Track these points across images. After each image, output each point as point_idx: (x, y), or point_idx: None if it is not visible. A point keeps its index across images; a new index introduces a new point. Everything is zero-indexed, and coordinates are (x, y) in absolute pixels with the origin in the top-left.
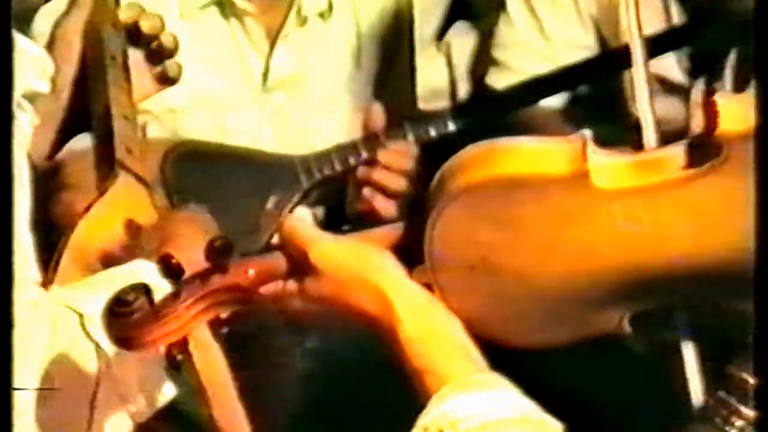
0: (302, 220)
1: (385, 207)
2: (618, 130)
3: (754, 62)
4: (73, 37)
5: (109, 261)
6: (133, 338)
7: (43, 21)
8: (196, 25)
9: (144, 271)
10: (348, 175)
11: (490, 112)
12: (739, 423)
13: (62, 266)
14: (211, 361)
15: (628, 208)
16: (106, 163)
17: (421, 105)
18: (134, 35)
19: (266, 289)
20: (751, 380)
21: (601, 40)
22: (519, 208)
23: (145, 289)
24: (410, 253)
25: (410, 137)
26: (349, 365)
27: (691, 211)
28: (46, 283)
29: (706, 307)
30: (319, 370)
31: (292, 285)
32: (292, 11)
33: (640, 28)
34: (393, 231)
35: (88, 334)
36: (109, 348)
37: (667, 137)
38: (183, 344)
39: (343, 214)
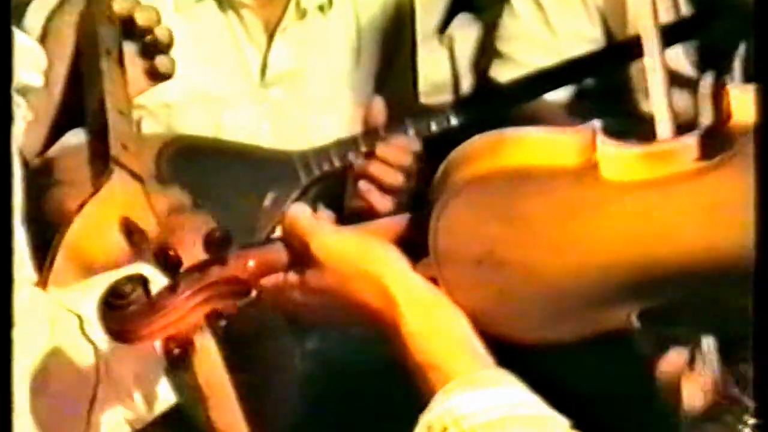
0: (304, 211)
1: (382, 202)
2: (625, 123)
3: (754, 62)
4: (66, 29)
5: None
6: (129, 331)
7: (36, 13)
8: (192, 18)
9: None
10: (347, 172)
11: (494, 106)
12: (751, 421)
13: (57, 265)
14: (210, 363)
15: (638, 200)
16: (101, 159)
17: (423, 99)
18: (129, 28)
19: (266, 281)
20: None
21: (608, 33)
22: (526, 201)
23: (142, 281)
24: (414, 245)
25: (411, 132)
26: (349, 366)
27: (703, 205)
28: (41, 283)
29: (716, 304)
30: (320, 371)
31: (292, 277)
32: (291, 4)
33: (656, 16)
34: (397, 223)
35: (87, 337)
36: (108, 347)
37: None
38: (181, 338)
39: (342, 211)
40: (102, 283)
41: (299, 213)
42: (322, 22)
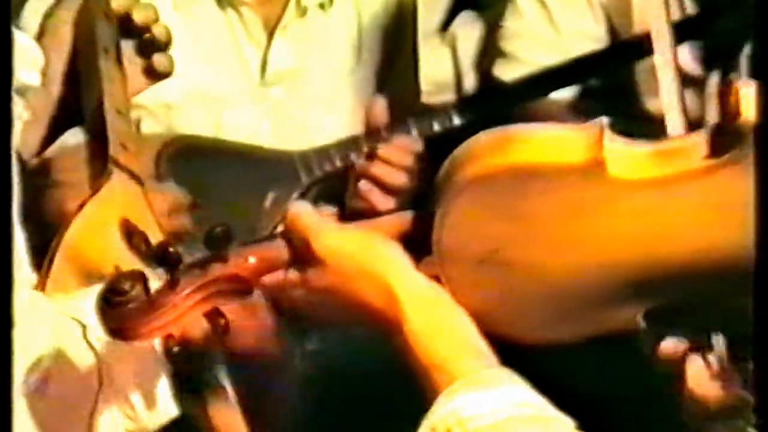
0: (306, 208)
1: (383, 203)
2: (630, 123)
3: (754, 62)
4: (63, 27)
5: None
6: (128, 329)
7: (33, 11)
8: (190, 16)
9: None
10: (349, 172)
11: (497, 106)
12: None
13: (55, 267)
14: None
15: (645, 198)
16: (99, 159)
17: (425, 99)
18: (126, 26)
19: (267, 279)
20: None
21: (612, 31)
22: (531, 199)
23: (141, 278)
24: (418, 243)
25: (414, 132)
26: (351, 367)
27: (712, 203)
28: (39, 285)
29: (722, 304)
30: (320, 372)
31: (294, 275)
32: (291, 2)
33: (668, 12)
34: (400, 220)
35: (91, 346)
36: (108, 350)
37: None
38: (181, 336)
39: (343, 211)
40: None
41: (301, 210)
42: (322, 20)
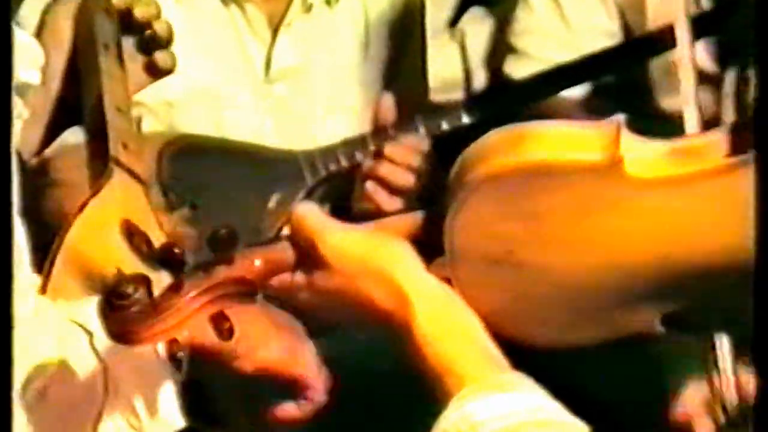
0: (312, 209)
1: (390, 203)
2: (645, 121)
3: (754, 60)
4: (63, 23)
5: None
6: (131, 333)
7: (32, 6)
8: (193, 12)
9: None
10: (355, 172)
11: (507, 104)
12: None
13: (56, 269)
14: None
15: (664, 198)
16: (100, 159)
17: (434, 96)
18: (127, 22)
19: (274, 282)
20: None
21: (626, 27)
22: (546, 198)
23: (144, 281)
24: (428, 245)
25: (422, 131)
26: (359, 371)
27: (733, 202)
28: (41, 288)
29: (742, 307)
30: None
31: (300, 277)
32: None
33: (687, 5)
34: (410, 220)
35: (97, 354)
36: (111, 355)
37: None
38: (185, 341)
39: (349, 212)
40: None
41: (306, 211)
42: (328, 16)
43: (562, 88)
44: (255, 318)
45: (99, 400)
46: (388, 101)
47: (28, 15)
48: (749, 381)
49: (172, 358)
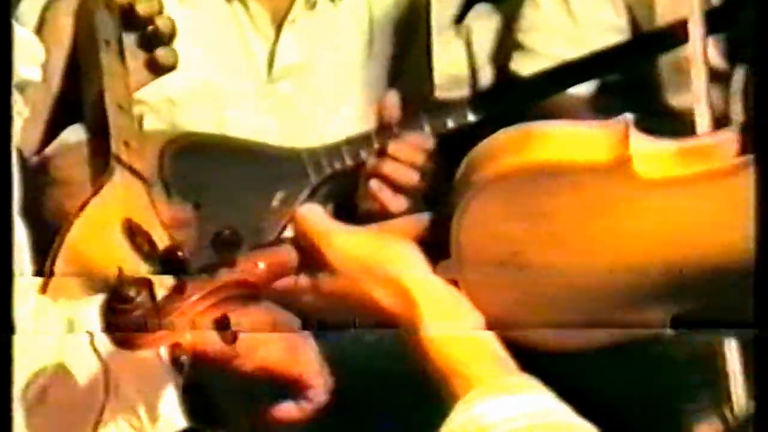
0: (315, 211)
1: (394, 202)
2: (653, 119)
3: (753, 60)
4: (63, 19)
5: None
6: (133, 337)
7: (31, 3)
8: (195, 8)
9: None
10: (359, 170)
11: (513, 101)
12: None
13: (57, 269)
14: None
15: (673, 198)
16: (101, 157)
17: (439, 94)
18: (129, 18)
19: (278, 285)
20: None
21: (634, 23)
22: (554, 199)
23: (147, 284)
24: (435, 246)
25: (426, 129)
26: (364, 374)
27: (743, 203)
28: (41, 288)
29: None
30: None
31: (304, 280)
32: None
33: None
34: (416, 222)
35: (98, 354)
36: (113, 359)
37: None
38: (188, 345)
39: (354, 211)
40: None
41: (310, 214)
42: (332, 13)
43: (569, 86)
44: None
45: (99, 401)
46: (393, 99)
47: (28, 11)
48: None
49: (175, 362)
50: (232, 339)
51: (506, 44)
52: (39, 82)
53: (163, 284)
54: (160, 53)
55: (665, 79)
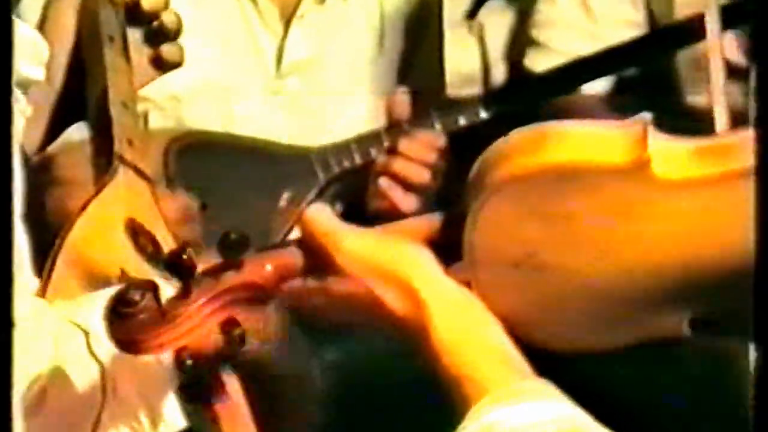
0: (323, 212)
1: (405, 201)
2: (671, 118)
3: (754, 60)
4: (66, 15)
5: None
6: (138, 341)
7: None
8: (202, 3)
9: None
10: (369, 169)
11: (527, 99)
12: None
13: (57, 270)
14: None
15: (692, 199)
16: (104, 156)
17: (450, 91)
18: (133, 13)
19: (285, 287)
20: None
21: (652, 18)
22: (570, 200)
23: (151, 287)
24: (447, 247)
25: (437, 126)
26: (374, 379)
27: None
28: (40, 290)
29: None
30: (341, 385)
31: (312, 283)
32: None
33: None
34: (427, 223)
35: (94, 355)
36: (114, 364)
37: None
38: (194, 349)
39: (363, 211)
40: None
41: (317, 215)
42: (342, 8)
43: (584, 82)
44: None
45: (97, 404)
46: (404, 96)
47: (30, 8)
48: None
49: (180, 365)
50: (240, 341)
51: (520, 40)
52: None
53: (168, 287)
54: (166, 49)
55: (683, 76)
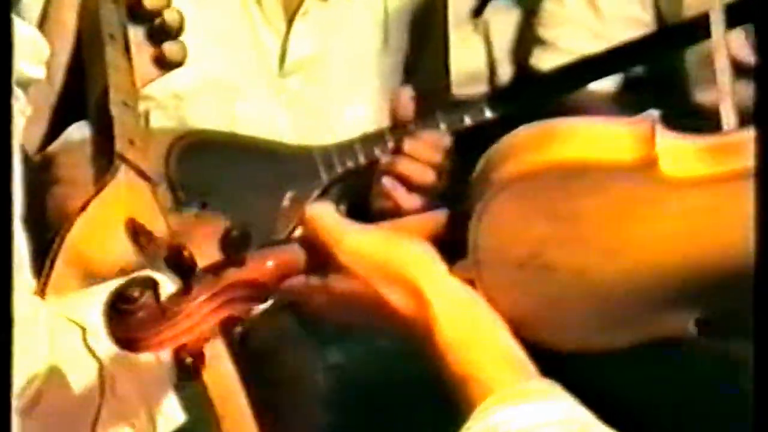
0: (325, 209)
1: (409, 201)
2: (680, 116)
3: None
4: (67, 13)
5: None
6: (137, 339)
7: None
8: (204, 0)
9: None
10: (373, 169)
11: (533, 98)
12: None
13: (56, 271)
14: (223, 376)
15: (701, 198)
16: (105, 155)
17: (456, 90)
18: (135, 11)
19: (287, 285)
20: None
21: (660, 17)
22: (577, 199)
23: (151, 284)
24: (451, 246)
25: (442, 126)
26: (377, 381)
27: None
28: (39, 290)
29: None
30: (344, 386)
31: (315, 280)
32: None
33: None
34: (432, 220)
35: (91, 351)
36: (113, 361)
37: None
38: (194, 347)
39: (367, 211)
40: (108, 290)
41: (319, 212)
42: (346, 5)
43: (591, 81)
44: None
45: (96, 402)
46: (408, 95)
47: (30, 5)
48: None
49: (180, 364)
50: (240, 340)
51: (526, 39)
52: (42, 79)
53: (168, 284)
54: (168, 48)
55: (692, 74)
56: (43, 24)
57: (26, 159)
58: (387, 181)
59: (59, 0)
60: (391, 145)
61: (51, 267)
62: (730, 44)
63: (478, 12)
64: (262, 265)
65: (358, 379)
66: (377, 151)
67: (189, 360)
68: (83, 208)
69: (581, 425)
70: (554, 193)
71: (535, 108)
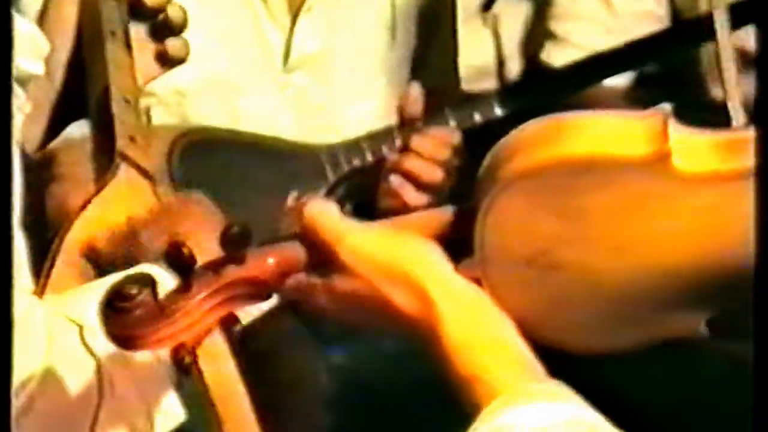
0: (326, 207)
1: (416, 199)
2: (693, 112)
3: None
4: (67, 9)
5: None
6: (135, 337)
7: None
8: None
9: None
10: (380, 167)
11: (544, 94)
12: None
13: (56, 271)
14: (222, 373)
15: (714, 194)
16: (105, 153)
17: (465, 86)
18: (137, 7)
19: (288, 283)
20: None
21: (675, 12)
22: (586, 195)
23: (149, 282)
24: (457, 243)
25: (452, 123)
26: (380, 382)
27: None
28: (38, 291)
29: None
30: (347, 387)
31: (317, 279)
32: None
33: None
34: (438, 217)
35: (89, 349)
36: (111, 360)
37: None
38: (193, 346)
39: (373, 210)
40: (105, 287)
41: (320, 211)
42: (352, 0)
43: (604, 77)
44: None
45: (94, 402)
46: (416, 91)
47: (30, 2)
48: None
49: (179, 363)
50: (241, 340)
51: (537, 33)
52: (42, 76)
53: (167, 282)
54: (171, 44)
55: (705, 70)
56: (43, 20)
57: (26, 157)
58: (394, 179)
59: None
60: (399, 142)
61: (50, 267)
62: (739, 38)
63: (487, 6)
64: (263, 262)
65: (361, 379)
66: (385, 149)
67: (188, 359)
68: (83, 207)
69: (589, 426)
70: (562, 189)
71: (546, 105)
